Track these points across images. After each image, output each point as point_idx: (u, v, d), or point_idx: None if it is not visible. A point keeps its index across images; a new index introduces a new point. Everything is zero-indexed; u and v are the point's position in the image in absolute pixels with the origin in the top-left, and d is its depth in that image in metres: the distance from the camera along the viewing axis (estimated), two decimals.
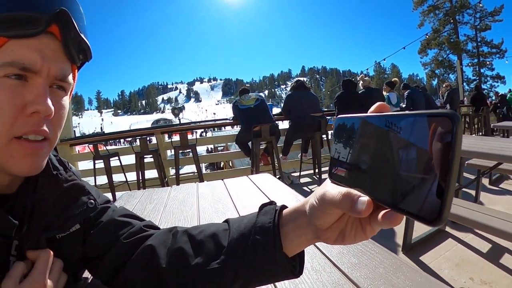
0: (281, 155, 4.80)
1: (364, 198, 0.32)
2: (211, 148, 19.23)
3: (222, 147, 14.13)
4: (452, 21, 33.87)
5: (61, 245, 0.49)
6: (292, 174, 5.04)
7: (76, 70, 0.49)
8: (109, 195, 4.57)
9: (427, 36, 33.93)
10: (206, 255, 0.46)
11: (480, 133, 8.25)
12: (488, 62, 34.93)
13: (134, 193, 1.65)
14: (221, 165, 12.88)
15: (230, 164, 9.06)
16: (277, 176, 4.49)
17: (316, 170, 4.65)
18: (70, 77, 0.46)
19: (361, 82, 5.15)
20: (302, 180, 4.80)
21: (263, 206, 0.48)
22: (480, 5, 33.16)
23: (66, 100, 0.46)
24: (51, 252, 0.46)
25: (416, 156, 0.27)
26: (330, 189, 0.37)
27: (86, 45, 0.46)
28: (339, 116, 0.40)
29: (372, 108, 0.35)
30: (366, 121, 0.35)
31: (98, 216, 0.55)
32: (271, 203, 0.48)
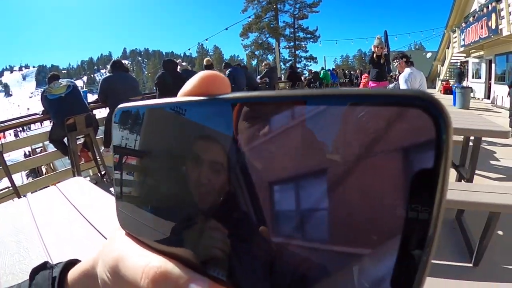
0: (102, 148, 4.34)
1: (203, 283, 0.17)
2: (29, 151, 16.14)
3: (40, 148, 11.99)
4: (274, 9, 38.69)
5: None
6: None
7: None
8: None
9: (250, 20, 37.48)
10: None
11: None
12: (303, 45, 42.67)
13: None
14: (44, 171, 10.92)
15: (52, 167, 7.76)
16: (103, 172, 4.13)
17: None
18: None
19: (178, 67, 5.20)
20: None
21: (34, 273, 0.29)
22: None
23: None
24: None
25: (329, 202, 0.13)
26: (128, 256, 0.20)
27: None
28: (120, 106, 0.23)
29: (192, 84, 0.19)
30: (192, 110, 0.18)
31: None
32: (45, 265, 0.29)
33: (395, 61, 4.26)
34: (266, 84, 8.13)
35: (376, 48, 5.21)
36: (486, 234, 1.87)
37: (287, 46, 42.45)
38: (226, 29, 24.45)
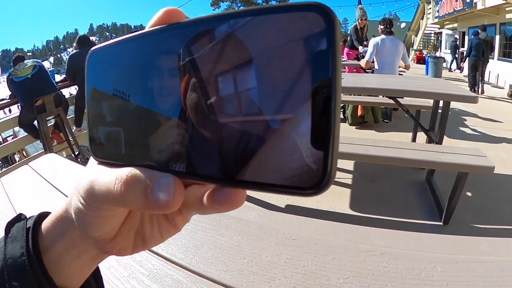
0: (74, 128, 4.26)
1: (166, 178, 0.20)
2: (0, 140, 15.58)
3: (11, 136, 11.57)
4: None
5: None
6: None
7: None
8: None
9: None
10: None
11: None
12: None
13: None
14: (17, 158, 10.60)
15: (25, 154, 7.57)
16: (76, 152, 4.06)
17: None
18: None
19: None
20: None
21: (9, 226, 0.30)
22: None
23: None
24: None
25: (258, 85, 0.17)
26: (100, 175, 0.23)
27: None
28: (92, 48, 0.27)
29: (153, 20, 0.23)
30: (145, 42, 0.23)
31: None
32: (19, 217, 0.31)
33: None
34: None
35: (360, 20, 5.18)
36: (454, 194, 1.97)
37: None
38: None
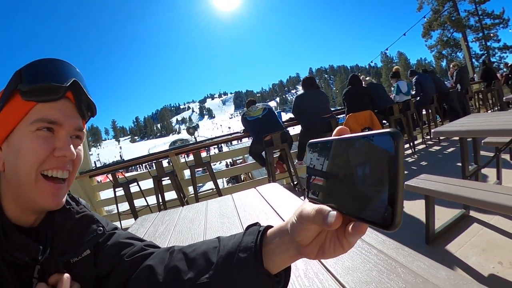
0: (296, 161, 4.79)
1: (333, 212, 0.36)
2: (230, 162, 19.45)
3: (240, 160, 14.12)
4: None
5: (76, 269, 0.56)
6: None
7: (85, 124, 0.61)
8: (131, 221, 4.48)
9: (426, 19, 32.48)
10: (197, 270, 0.51)
11: (496, 108, 7.89)
12: (493, 34, 33.00)
13: (148, 216, 1.72)
14: (242, 178, 12.95)
15: (250, 176, 9.10)
16: (295, 182, 4.53)
17: None
18: (84, 129, 0.59)
19: (362, 82, 5.27)
20: None
21: (248, 227, 0.52)
22: None
23: (81, 146, 0.60)
24: (69, 276, 0.53)
25: (370, 171, 0.30)
26: (307, 206, 0.40)
27: (93, 105, 0.60)
28: (310, 141, 0.44)
29: (334, 132, 0.39)
30: (328, 144, 0.39)
31: (106, 240, 0.62)
32: (256, 224, 0.52)
33: None
34: (457, 89, 6.86)
35: None
36: None
37: (475, 38, 33.68)
38: (404, 34, 22.07)
